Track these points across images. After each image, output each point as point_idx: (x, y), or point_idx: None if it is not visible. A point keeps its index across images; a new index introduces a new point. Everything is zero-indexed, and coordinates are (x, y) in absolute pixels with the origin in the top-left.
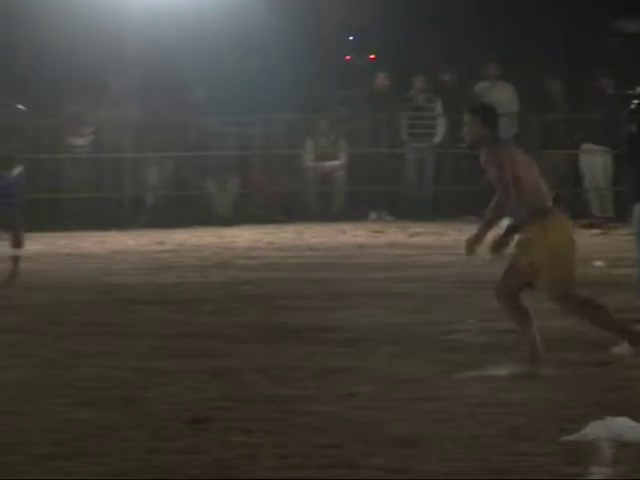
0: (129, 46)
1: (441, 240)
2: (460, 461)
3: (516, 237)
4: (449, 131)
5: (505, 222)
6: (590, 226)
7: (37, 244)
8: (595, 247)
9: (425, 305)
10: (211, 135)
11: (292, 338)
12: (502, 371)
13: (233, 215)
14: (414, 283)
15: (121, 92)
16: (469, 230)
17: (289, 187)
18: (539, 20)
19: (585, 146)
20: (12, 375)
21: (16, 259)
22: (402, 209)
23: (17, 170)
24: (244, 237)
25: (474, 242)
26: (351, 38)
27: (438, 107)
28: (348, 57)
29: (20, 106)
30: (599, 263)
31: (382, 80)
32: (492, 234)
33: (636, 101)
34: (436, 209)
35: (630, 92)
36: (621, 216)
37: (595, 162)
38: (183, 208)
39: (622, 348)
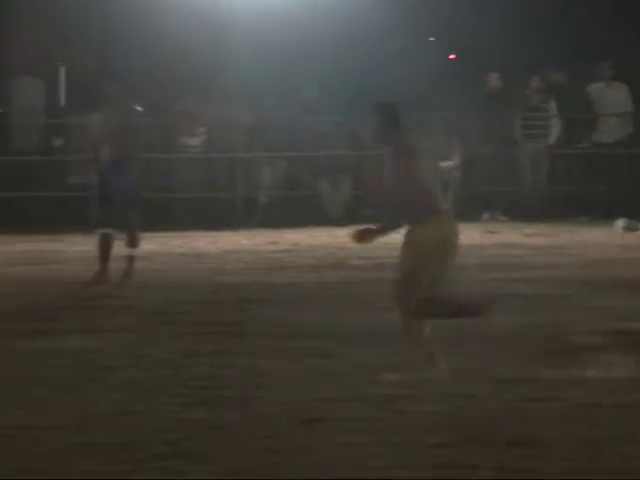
0: (241, 44)
1: (554, 240)
2: (574, 461)
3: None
4: (563, 132)
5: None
6: None
7: (151, 244)
8: None
9: (540, 305)
10: (323, 135)
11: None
12: (618, 372)
13: (345, 216)
14: (530, 284)
15: (233, 91)
16: (581, 231)
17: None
18: None
19: None
20: (126, 375)
21: (131, 259)
22: (515, 209)
23: (134, 170)
24: None
25: (364, 235)
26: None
27: (552, 107)
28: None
29: (137, 106)
30: None
31: (494, 80)
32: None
33: None
34: (549, 209)
35: None
36: None
37: None
38: (296, 208)
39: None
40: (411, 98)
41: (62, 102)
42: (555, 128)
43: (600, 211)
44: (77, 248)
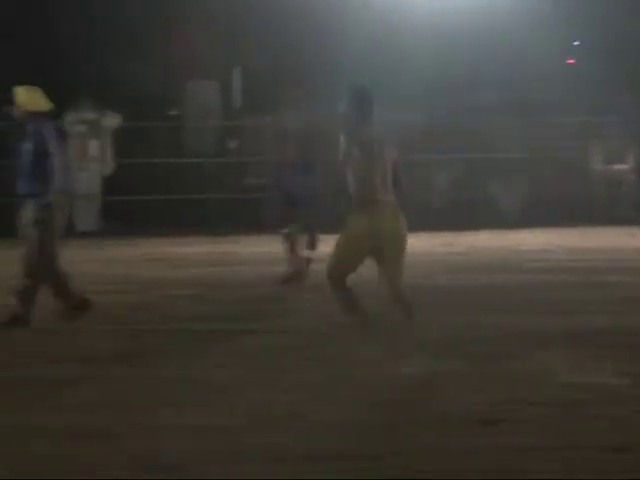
0: (418, 47)
1: None
2: None
3: None
4: None
5: None
6: None
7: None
8: None
9: None
10: (499, 137)
11: (579, 341)
12: None
13: (521, 218)
14: None
15: (409, 94)
16: None
17: (575, 190)
18: None
19: None
20: (295, 377)
21: (309, 261)
22: None
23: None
24: (531, 240)
25: None
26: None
27: None
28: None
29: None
30: None
31: None
32: None
33: None
34: None
35: None
36: None
37: None
38: (471, 211)
39: None
40: (587, 101)
41: (237, 104)
42: None
43: None
44: (252, 249)
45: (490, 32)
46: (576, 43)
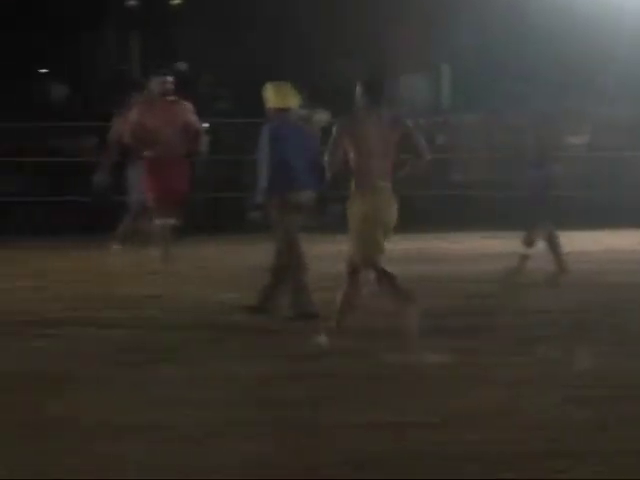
0: (621, 45)
1: None
2: None
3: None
4: None
5: None
6: None
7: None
8: None
9: None
10: None
11: None
12: None
13: None
14: None
15: (612, 91)
16: None
17: None
18: None
19: None
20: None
21: (524, 257)
22: None
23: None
24: None
25: None
26: None
27: None
28: None
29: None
30: None
31: None
32: None
33: None
34: None
35: None
36: None
37: None
38: None
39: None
40: None
41: (445, 100)
42: None
43: None
44: (458, 246)
45: None
46: None
